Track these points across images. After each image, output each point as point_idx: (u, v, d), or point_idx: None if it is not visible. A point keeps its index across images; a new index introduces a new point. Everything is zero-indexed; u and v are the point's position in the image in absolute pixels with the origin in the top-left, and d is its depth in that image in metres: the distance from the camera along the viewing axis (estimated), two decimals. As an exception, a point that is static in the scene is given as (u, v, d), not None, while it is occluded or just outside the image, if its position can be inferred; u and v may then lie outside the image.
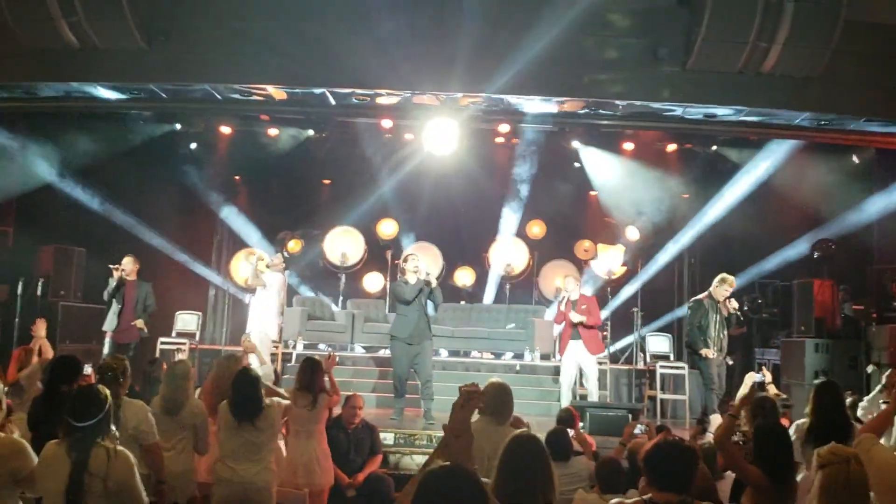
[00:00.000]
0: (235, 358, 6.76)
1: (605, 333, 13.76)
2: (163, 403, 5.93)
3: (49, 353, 7.31)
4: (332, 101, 10.51)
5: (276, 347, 11.26)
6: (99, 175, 12.78)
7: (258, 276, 11.07)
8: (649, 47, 9.07)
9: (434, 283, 10.07)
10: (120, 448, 4.13)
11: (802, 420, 5.36)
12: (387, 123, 13.29)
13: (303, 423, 6.59)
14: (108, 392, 4.23)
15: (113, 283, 10.82)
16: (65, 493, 3.90)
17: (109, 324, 10.84)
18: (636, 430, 6.73)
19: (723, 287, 10.16)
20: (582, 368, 10.73)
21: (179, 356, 11.22)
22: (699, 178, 13.76)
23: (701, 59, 8.74)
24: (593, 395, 10.69)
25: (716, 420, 9.40)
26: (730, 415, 4.72)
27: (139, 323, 10.85)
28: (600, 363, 12.30)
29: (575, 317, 10.63)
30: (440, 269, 15.27)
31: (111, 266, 10.93)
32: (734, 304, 10.16)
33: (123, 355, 7.10)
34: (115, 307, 10.84)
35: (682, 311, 14.24)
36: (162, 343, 12.36)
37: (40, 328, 7.54)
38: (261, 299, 11.14)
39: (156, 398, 6.09)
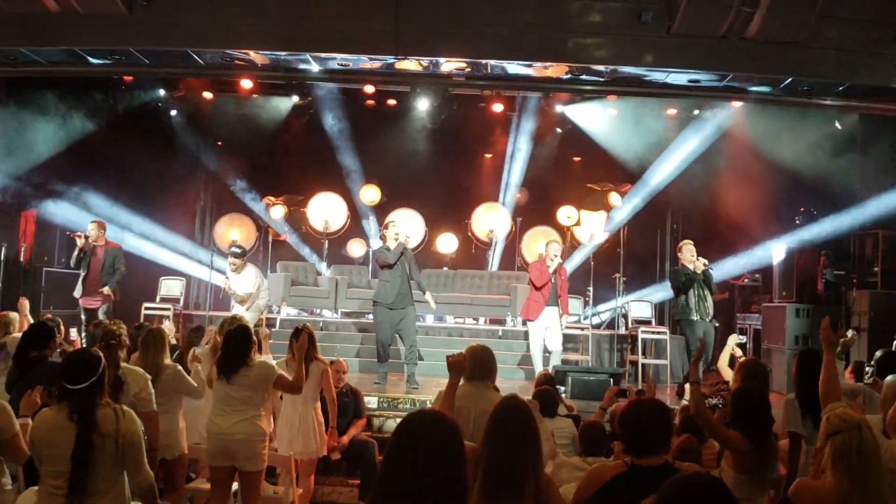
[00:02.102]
0: (240, 320, 6.75)
1: (587, 299, 13.87)
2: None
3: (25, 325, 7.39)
4: (315, 67, 10.45)
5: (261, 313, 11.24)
6: (80, 140, 12.69)
7: (243, 299, 10.82)
8: (634, 11, 9.04)
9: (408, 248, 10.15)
10: (125, 407, 4.15)
11: (791, 395, 5.37)
12: (370, 89, 13.23)
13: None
14: (101, 354, 4.22)
15: (76, 250, 10.75)
16: (71, 456, 3.89)
17: (77, 290, 10.80)
18: (616, 395, 6.79)
19: (685, 251, 10.20)
20: (549, 333, 10.70)
21: (166, 322, 11.21)
22: (684, 143, 13.75)
23: (685, 23, 8.73)
24: (557, 358, 10.71)
25: (688, 389, 9.50)
26: (692, 382, 4.74)
27: (105, 290, 10.75)
28: (582, 328, 12.41)
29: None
30: (422, 236, 15.29)
31: (71, 233, 10.84)
32: (703, 261, 10.13)
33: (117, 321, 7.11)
34: (81, 273, 10.77)
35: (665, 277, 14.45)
36: (146, 308, 12.34)
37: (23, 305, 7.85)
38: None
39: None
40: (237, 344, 5.72)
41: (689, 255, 10.14)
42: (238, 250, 10.88)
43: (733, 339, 7.43)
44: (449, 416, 4.04)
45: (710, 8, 8.60)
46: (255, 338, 5.97)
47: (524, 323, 11.50)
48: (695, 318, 10.02)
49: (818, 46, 9.14)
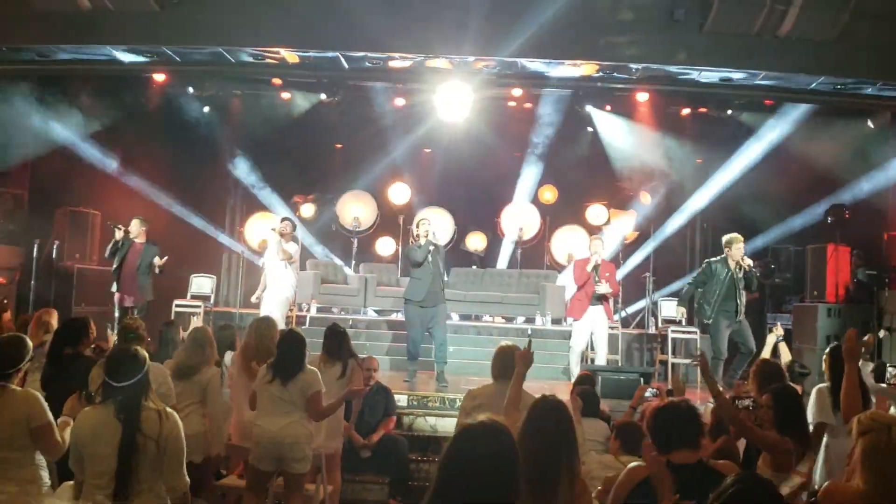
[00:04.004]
0: (272, 321, 6.80)
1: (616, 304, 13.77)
2: (177, 367, 6.00)
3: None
4: (345, 65, 10.47)
5: (291, 310, 11.31)
6: (112, 139, 12.81)
7: (286, 252, 10.91)
8: (666, 9, 8.98)
9: (439, 246, 10.16)
10: (169, 410, 4.17)
11: (824, 384, 5.37)
12: (399, 87, 13.23)
13: (331, 389, 6.62)
14: (146, 353, 4.26)
15: (112, 241, 10.82)
16: (117, 455, 3.92)
17: (113, 285, 10.90)
18: (647, 394, 6.76)
19: (735, 247, 9.90)
20: (594, 333, 10.73)
21: (194, 319, 11.28)
22: (713, 142, 13.65)
23: (718, 21, 8.66)
24: (602, 359, 10.70)
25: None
26: (714, 396, 4.78)
27: (148, 293, 10.85)
28: (612, 328, 12.33)
29: (602, 287, 10.59)
30: (451, 234, 15.29)
31: (115, 226, 10.91)
32: (748, 261, 9.90)
33: (134, 317, 7.19)
34: (114, 265, 10.83)
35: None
36: (177, 305, 12.43)
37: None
38: (280, 266, 11.02)
39: (169, 361, 6.15)
40: (294, 348, 5.75)
41: (737, 251, 9.88)
42: (294, 220, 11.38)
43: (772, 339, 7.37)
44: (518, 405, 4.11)
45: (743, 5, 8.54)
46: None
47: (555, 321, 11.46)
48: (708, 321, 9.91)
49: (852, 44, 9.03)
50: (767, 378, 5.37)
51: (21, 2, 9.26)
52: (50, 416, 4.39)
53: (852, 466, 3.46)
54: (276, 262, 10.85)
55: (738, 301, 9.88)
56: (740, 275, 9.85)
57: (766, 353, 7.10)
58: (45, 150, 11.96)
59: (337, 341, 6.77)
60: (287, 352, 5.75)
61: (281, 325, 10.46)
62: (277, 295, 10.79)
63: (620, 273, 14.02)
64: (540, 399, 3.67)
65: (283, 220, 11.25)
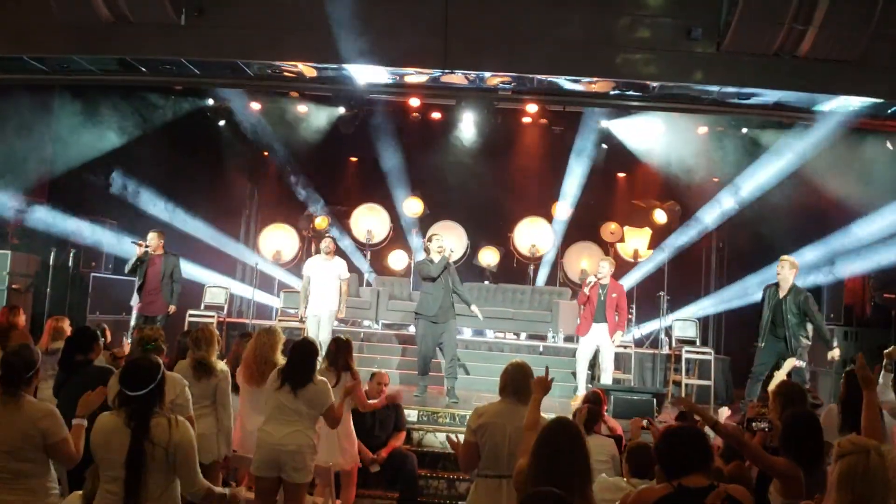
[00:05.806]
0: (274, 330, 6.80)
1: (630, 317, 13.64)
2: (191, 370, 5.99)
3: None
4: (362, 79, 10.50)
5: (303, 322, 11.30)
6: (130, 149, 12.87)
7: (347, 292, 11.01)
8: (683, 27, 8.96)
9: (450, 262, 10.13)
10: (181, 418, 4.19)
11: (833, 405, 5.32)
12: (415, 102, 13.26)
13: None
14: (160, 362, 4.29)
15: (133, 258, 10.84)
16: (125, 462, 3.95)
17: (133, 298, 10.91)
18: (644, 424, 6.63)
19: (786, 268, 9.34)
20: (600, 351, 10.61)
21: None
22: (730, 161, 13.57)
23: (736, 40, 8.63)
24: (608, 378, 10.59)
25: (722, 413, 9.31)
26: (748, 419, 4.74)
27: (171, 309, 10.88)
28: (625, 346, 12.24)
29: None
30: (464, 249, 15.26)
31: (135, 242, 10.92)
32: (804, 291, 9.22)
33: (154, 326, 7.18)
34: (137, 282, 10.87)
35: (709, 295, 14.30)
36: (191, 316, 12.45)
37: None
38: (331, 279, 10.88)
39: (182, 365, 6.14)
40: (305, 357, 5.75)
41: (789, 274, 9.29)
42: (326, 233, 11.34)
43: (790, 364, 7.28)
44: (536, 427, 4.13)
45: (761, 25, 8.50)
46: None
47: (574, 339, 11.39)
48: (760, 345, 9.52)
49: (872, 65, 8.98)
50: (790, 400, 5.28)
51: (44, 12, 9.33)
52: (65, 430, 4.39)
53: (828, 488, 3.43)
54: (330, 278, 10.84)
55: (787, 333, 9.15)
56: (791, 303, 9.17)
57: (781, 375, 7.01)
58: (64, 160, 12.05)
59: (335, 352, 6.88)
60: (298, 361, 5.74)
61: (328, 337, 10.46)
62: (330, 307, 10.79)
63: (635, 292, 13.98)
64: (553, 421, 3.64)
65: (327, 237, 11.28)
